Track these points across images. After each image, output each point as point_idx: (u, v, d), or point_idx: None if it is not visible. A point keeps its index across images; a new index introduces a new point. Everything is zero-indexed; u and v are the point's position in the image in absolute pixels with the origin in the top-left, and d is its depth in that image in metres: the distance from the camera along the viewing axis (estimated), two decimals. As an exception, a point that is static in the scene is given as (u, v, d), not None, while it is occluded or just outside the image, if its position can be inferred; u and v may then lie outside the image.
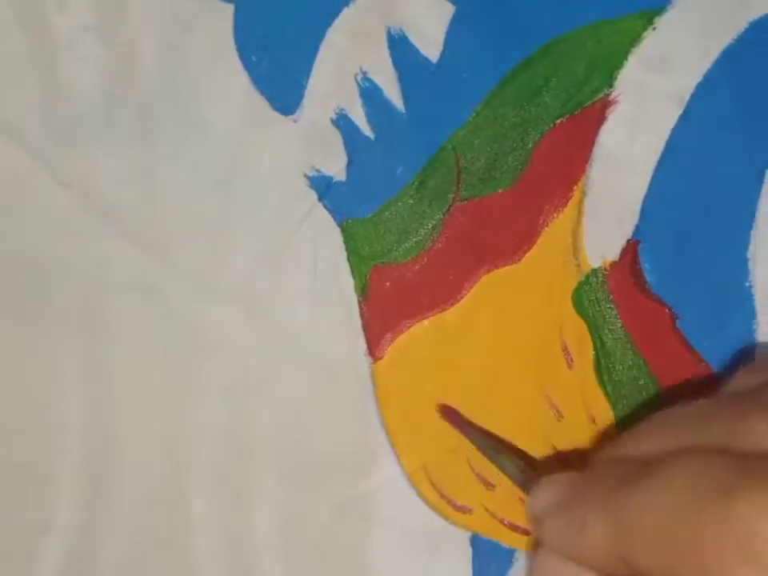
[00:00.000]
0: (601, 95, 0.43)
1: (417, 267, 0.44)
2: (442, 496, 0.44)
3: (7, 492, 0.42)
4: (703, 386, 0.43)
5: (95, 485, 0.42)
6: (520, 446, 0.43)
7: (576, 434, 0.44)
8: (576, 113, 0.43)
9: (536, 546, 0.37)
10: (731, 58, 0.43)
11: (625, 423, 0.43)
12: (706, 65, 0.43)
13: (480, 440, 0.42)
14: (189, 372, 0.43)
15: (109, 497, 0.42)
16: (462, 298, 0.43)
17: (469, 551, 0.44)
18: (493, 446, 0.41)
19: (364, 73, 0.43)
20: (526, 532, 0.44)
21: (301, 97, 0.43)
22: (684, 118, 0.43)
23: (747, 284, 0.43)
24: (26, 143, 0.42)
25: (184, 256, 0.43)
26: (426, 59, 0.43)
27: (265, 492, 0.43)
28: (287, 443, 0.43)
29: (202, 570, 0.42)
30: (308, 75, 0.43)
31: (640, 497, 0.30)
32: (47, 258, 0.42)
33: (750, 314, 0.43)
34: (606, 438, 0.43)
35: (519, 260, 0.43)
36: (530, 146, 0.43)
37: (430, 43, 0.43)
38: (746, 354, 0.43)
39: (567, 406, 0.43)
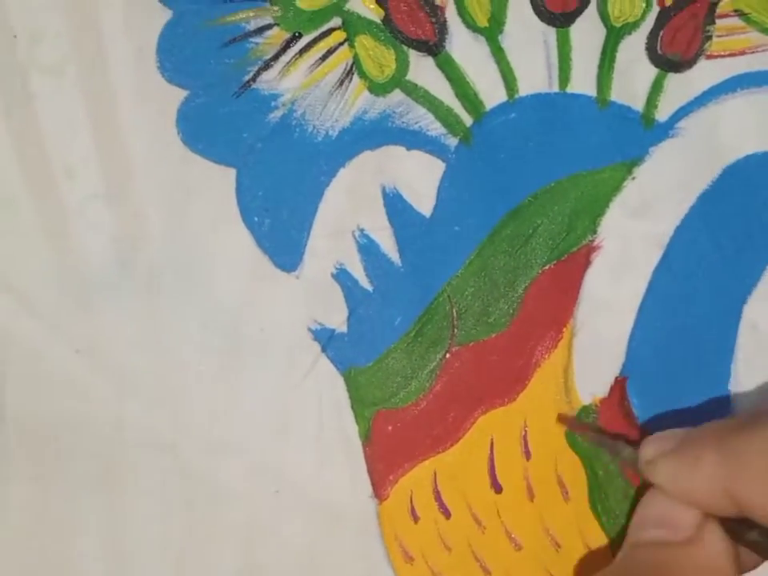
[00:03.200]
0: (585, 241, 0.45)
1: (417, 411, 0.46)
2: None
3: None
4: None
5: None
6: None
7: (573, 562, 0.46)
8: (562, 259, 0.45)
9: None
10: (707, 202, 0.45)
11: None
12: (684, 209, 0.45)
13: (595, 437, 0.44)
14: (203, 523, 0.45)
15: None
16: (460, 438, 0.46)
17: None
18: (607, 439, 0.44)
19: (361, 230, 0.45)
20: None
21: (302, 254, 0.45)
22: (664, 259, 0.45)
23: (729, 416, 0.45)
24: (39, 312, 0.45)
25: (193, 413, 0.45)
26: (419, 214, 0.45)
27: None
28: None
29: None
30: (308, 233, 0.45)
31: (751, 441, 0.34)
32: (64, 421, 0.44)
33: None
34: (602, 563, 0.45)
35: (514, 399, 0.45)
36: (521, 291, 0.45)
37: (423, 199, 0.45)
38: None
39: (564, 536, 0.46)
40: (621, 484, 0.45)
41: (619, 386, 0.45)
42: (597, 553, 0.46)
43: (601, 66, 0.45)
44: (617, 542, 0.45)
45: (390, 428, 0.45)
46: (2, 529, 0.44)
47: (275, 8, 0.44)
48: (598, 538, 0.46)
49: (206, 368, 0.45)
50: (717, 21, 0.45)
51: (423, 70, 0.45)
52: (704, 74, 0.45)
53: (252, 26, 0.44)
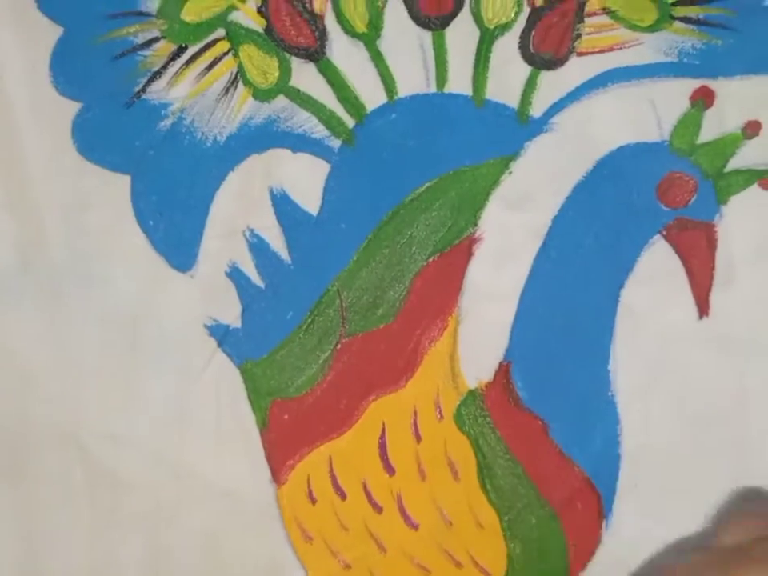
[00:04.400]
0: (467, 234, 0.48)
1: (311, 399, 0.48)
2: None
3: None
4: (576, 489, 0.48)
5: None
6: (416, 554, 0.48)
7: (467, 540, 0.48)
8: (446, 251, 0.48)
9: None
10: (582, 193, 0.48)
11: (510, 526, 0.48)
12: (560, 200, 0.48)
13: None
14: (107, 509, 0.47)
15: None
16: (353, 424, 0.48)
17: None
18: None
19: (251, 230, 0.48)
20: None
21: (196, 254, 0.47)
22: (544, 249, 0.48)
23: (609, 394, 0.47)
24: None
25: (94, 406, 0.47)
26: (306, 213, 0.48)
27: None
28: (204, 568, 0.48)
29: None
30: (201, 235, 0.47)
31: None
32: None
33: (614, 421, 0.48)
34: (494, 542, 0.48)
35: (403, 386, 0.48)
36: (406, 283, 0.48)
37: (310, 199, 0.47)
38: (612, 456, 0.47)
39: (456, 514, 0.48)
40: (507, 462, 0.48)
41: (503, 370, 0.48)
42: (488, 529, 0.48)
43: (476, 66, 0.47)
44: (505, 516, 0.48)
45: (286, 416, 0.48)
46: None
47: (161, 21, 0.47)
48: (488, 514, 0.48)
49: (105, 364, 0.47)
50: (586, 19, 0.47)
51: (305, 76, 0.47)
52: (576, 71, 0.47)
53: (140, 39, 0.47)
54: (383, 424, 0.48)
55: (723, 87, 0.47)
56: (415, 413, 0.48)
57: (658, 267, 0.47)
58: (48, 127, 0.46)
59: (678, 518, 0.48)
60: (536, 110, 0.47)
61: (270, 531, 0.47)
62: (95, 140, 0.47)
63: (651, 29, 0.47)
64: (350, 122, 0.47)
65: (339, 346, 0.48)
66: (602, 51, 0.47)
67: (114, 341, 0.47)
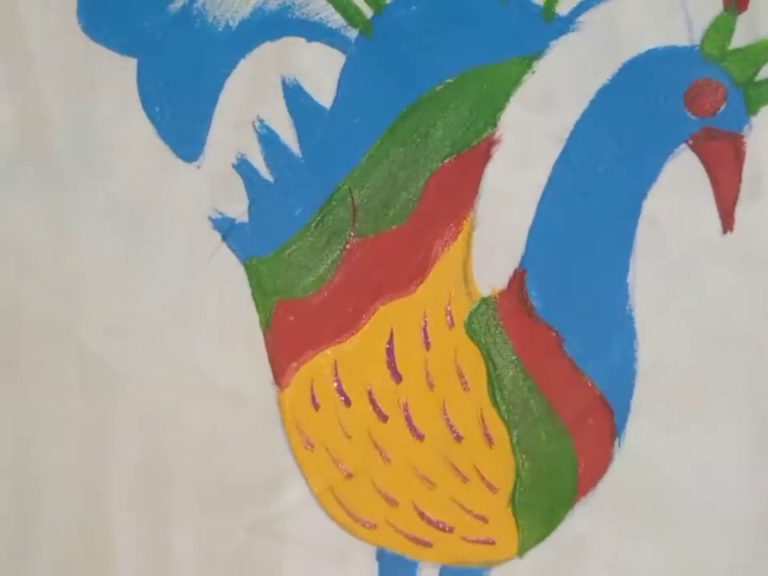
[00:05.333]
0: (485, 135, 0.46)
1: (318, 301, 0.47)
2: (349, 513, 0.47)
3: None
4: (589, 405, 0.47)
5: (18, 517, 0.47)
6: (421, 466, 0.47)
7: (474, 454, 0.47)
8: (463, 152, 0.46)
9: None
10: (607, 97, 0.46)
11: (519, 441, 0.47)
12: (583, 104, 0.46)
13: None
14: (102, 407, 0.46)
15: (30, 528, 0.46)
16: (361, 328, 0.47)
17: (375, 563, 0.48)
18: None
19: (261, 120, 0.46)
20: (427, 544, 0.47)
21: (203, 144, 0.46)
22: (564, 153, 0.46)
23: (627, 308, 0.46)
24: None
25: (94, 299, 0.46)
26: (319, 106, 0.46)
27: (182, 519, 0.47)
28: (201, 471, 0.47)
29: None
30: (209, 124, 0.46)
31: None
32: None
33: (631, 336, 0.46)
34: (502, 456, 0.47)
35: (413, 291, 0.47)
36: (421, 184, 0.46)
37: (324, 90, 0.46)
38: (627, 372, 0.46)
39: (465, 426, 0.47)
40: (519, 374, 0.47)
41: (518, 278, 0.46)
42: (497, 443, 0.47)
43: (503, -40, 0.45)
44: (514, 430, 0.47)
45: (291, 317, 0.47)
46: None
47: None
48: (499, 430, 0.47)
49: (105, 255, 0.46)
50: None
51: (324, -38, 0.45)
52: (605, -32, 0.46)
53: None
54: (391, 329, 0.47)
55: (758, -10, 0.45)
56: (425, 319, 0.47)
57: (682, 178, 0.46)
58: (53, 4, 0.45)
59: (693, 437, 0.47)
60: (562, 8, 0.46)
61: (271, 436, 0.47)
62: (102, 19, 0.45)
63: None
64: (368, 12, 0.45)
65: (349, 246, 0.47)
66: (632, -52, 0.45)
67: (115, 231, 0.46)
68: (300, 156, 0.46)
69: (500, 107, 0.46)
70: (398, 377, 0.47)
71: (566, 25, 0.45)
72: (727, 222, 0.46)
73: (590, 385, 0.46)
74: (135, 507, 0.46)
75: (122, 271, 0.46)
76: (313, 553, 0.47)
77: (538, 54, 0.45)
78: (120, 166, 0.46)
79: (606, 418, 0.47)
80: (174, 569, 0.47)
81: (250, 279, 0.47)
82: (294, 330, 0.47)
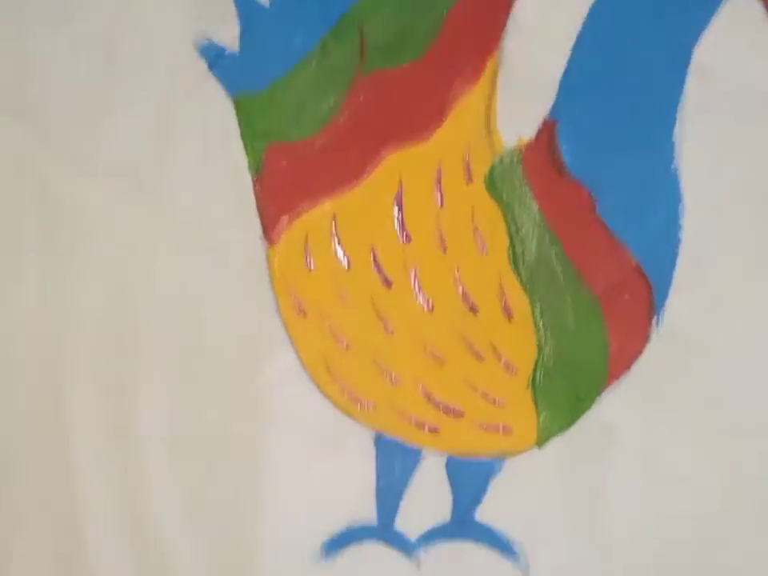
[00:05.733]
0: None
1: (316, 145, 0.45)
2: (343, 390, 0.45)
3: None
4: (624, 276, 0.44)
5: None
6: (429, 340, 0.44)
7: (491, 329, 0.44)
8: None
9: None
10: None
11: (543, 315, 0.44)
12: None
13: None
14: (65, 255, 0.44)
15: None
16: (365, 177, 0.45)
17: (372, 450, 0.45)
18: None
19: None
20: (433, 430, 0.46)
21: None
22: None
23: (672, 167, 0.44)
24: None
25: (61, 132, 0.44)
26: None
27: (152, 387, 0.45)
28: (173, 334, 0.45)
29: (81, 472, 0.44)
30: None
31: None
32: None
33: (675, 199, 0.44)
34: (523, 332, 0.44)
35: (427, 138, 0.44)
36: (441, 15, 0.44)
37: None
38: (670, 241, 0.44)
39: (481, 297, 0.45)
40: (544, 238, 0.44)
41: (548, 128, 0.44)
42: (517, 317, 0.44)
43: None
44: (537, 302, 0.44)
45: (284, 163, 0.45)
46: None
47: None
48: (519, 301, 0.44)
49: (75, 84, 0.44)
50: None
51: None
52: None
53: None
54: (401, 181, 0.44)
55: None
56: (439, 171, 0.44)
57: (740, 21, 0.43)
58: None
59: (742, 316, 0.45)
60: None
61: (257, 296, 0.45)
62: None
63: None
64: None
65: (355, 84, 0.44)
66: None
67: (87, 57, 0.44)
68: None
69: (534, -74, 0.44)
70: (406, 236, 0.44)
71: None
72: (791, 72, 0.44)
73: (625, 254, 0.44)
74: (97, 377, 0.44)
75: (93, 103, 0.44)
76: (301, 434, 0.45)
77: None
78: None
79: (643, 292, 0.45)
80: (139, 450, 0.45)
81: (238, 117, 0.45)
82: (287, 178, 0.45)
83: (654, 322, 0.45)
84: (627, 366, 0.45)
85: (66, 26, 0.43)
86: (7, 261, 0.44)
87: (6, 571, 0.45)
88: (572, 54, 0.44)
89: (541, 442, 0.45)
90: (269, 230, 0.45)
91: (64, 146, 0.44)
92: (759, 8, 0.43)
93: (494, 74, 0.44)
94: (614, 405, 0.45)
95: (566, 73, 0.44)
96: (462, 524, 0.46)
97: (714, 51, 0.43)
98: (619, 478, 0.46)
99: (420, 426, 0.45)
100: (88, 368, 0.44)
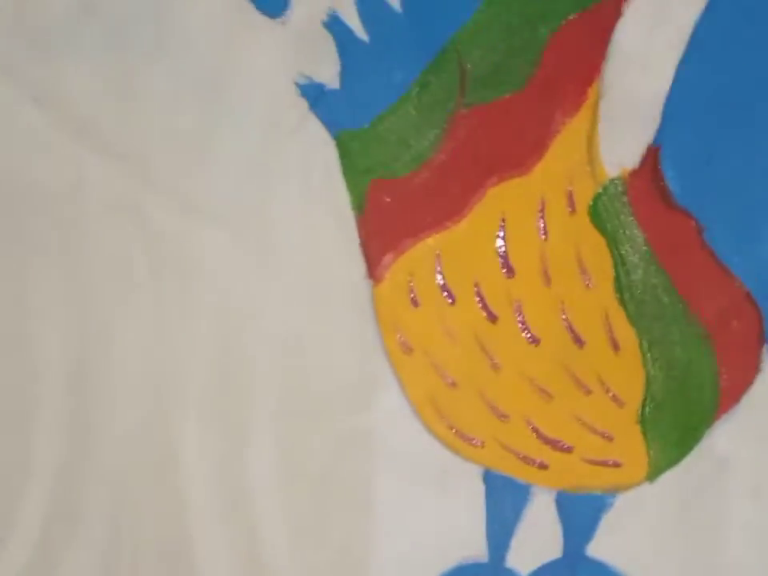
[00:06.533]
0: None
1: (418, 181, 0.46)
2: (451, 428, 0.46)
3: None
4: (734, 305, 0.45)
5: (76, 420, 0.45)
6: (536, 375, 0.45)
7: (598, 362, 0.45)
8: (589, 8, 0.44)
9: None
10: None
11: (651, 347, 0.45)
12: None
13: None
14: (175, 297, 0.46)
15: (91, 433, 0.45)
16: (468, 213, 0.45)
17: (481, 487, 0.46)
18: None
19: None
20: (542, 466, 0.48)
21: None
22: (708, 10, 0.44)
23: None
24: None
25: (164, 173, 0.45)
26: None
27: (259, 427, 0.46)
28: (282, 374, 0.46)
29: (192, 511, 0.46)
30: None
31: None
32: (21, 180, 0.45)
33: None
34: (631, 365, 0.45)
35: (529, 171, 0.45)
36: (540, 45, 0.45)
37: None
38: None
39: (587, 330, 0.45)
40: (651, 269, 0.44)
41: (652, 155, 0.44)
42: (625, 351, 0.45)
43: None
44: (645, 334, 0.45)
45: (387, 199, 0.45)
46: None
47: None
48: (626, 333, 0.45)
49: (178, 120, 0.45)
50: None
51: None
52: None
53: None
54: (503, 215, 0.45)
55: None
56: (542, 203, 0.45)
57: None
58: None
59: None
60: None
61: (362, 337, 0.46)
62: None
63: None
64: None
65: (455, 118, 0.45)
66: None
67: (190, 94, 0.45)
68: (401, 11, 0.44)
69: (634, -47, 0.46)
70: (510, 271, 0.45)
71: None
72: None
73: (734, 282, 0.45)
74: (207, 417, 0.45)
75: (194, 143, 0.45)
76: (408, 472, 0.45)
77: None
78: (192, 20, 0.45)
79: (754, 320, 0.45)
80: (250, 488, 0.46)
81: (340, 154, 0.45)
82: (390, 215, 0.46)
83: (764, 351, 0.45)
84: (738, 398, 0.45)
85: (168, 67, 0.44)
86: (118, 299, 0.45)
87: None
88: (675, 78, 0.44)
89: (652, 476, 0.46)
90: (373, 267, 0.45)
91: (167, 187, 0.45)
92: None
93: (596, 103, 0.44)
94: (727, 437, 0.46)
95: (670, 97, 0.44)
96: (574, 560, 0.47)
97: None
98: (735, 511, 0.46)
99: (529, 461, 0.45)
100: (197, 407, 0.45)
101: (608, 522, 0.47)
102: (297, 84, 0.45)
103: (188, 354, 0.45)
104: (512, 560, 0.47)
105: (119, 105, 0.45)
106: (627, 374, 0.45)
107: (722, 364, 0.45)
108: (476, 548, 0.46)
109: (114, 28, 0.44)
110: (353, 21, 0.44)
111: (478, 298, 0.45)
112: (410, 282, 0.45)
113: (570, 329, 0.45)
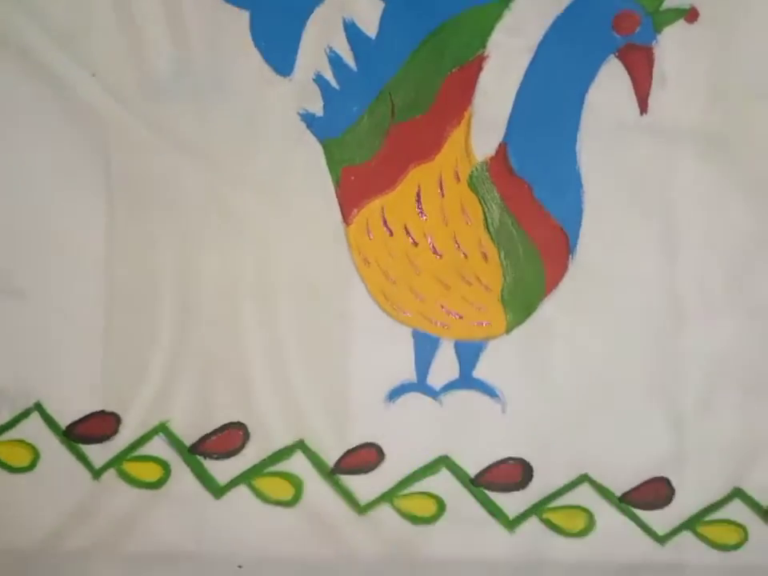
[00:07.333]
0: (478, 53, 0.63)
1: (371, 166, 0.63)
2: (394, 307, 0.63)
3: (126, 315, 0.64)
4: (552, 233, 0.63)
5: (183, 308, 0.64)
6: (440, 275, 0.63)
7: (475, 267, 0.64)
8: (464, 64, 0.63)
9: None
10: (561, 23, 0.63)
11: (506, 257, 0.63)
12: (545, 28, 0.63)
13: None
14: (230, 241, 0.66)
15: (191, 317, 0.63)
16: (398, 185, 0.63)
17: (411, 339, 0.63)
18: None
19: (330, 48, 0.64)
20: (445, 326, 0.64)
21: (293, 63, 0.64)
22: (533, 64, 0.63)
23: (576, 167, 0.63)
24: (123, 97, 0.63)
25: (231, 162, 0.65)
26: (368, 36, 0.64)
27: (286, 307, 0.65)
28: (296, 279, 0.66)
29: (250, 347, 0.65)
30: (297, 51, 0.64)
31: None
32: (153, 184, 0.64)
33: (579, 186, 0.63)
34: (494, 268, 0.64)
35: (433, 159, 0.63)
36: (437, 87, 0.63)
37: (370, 26, 0.65)
38: (576, 209, 0.63)
39: (469, 248, 0.63)
40: (505, 215, 0.63)
41: (502, 148, 0.63)
42: (490, 259, 0.63)
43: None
44: (502, 251, 0.63)
45: (352, 178, 0.63)
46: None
47: None
48: (491, 249, 0.63)
49: (229, 139, 0.64)
50: None
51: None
52: None
53: None
54: (419, 184, 0.63)
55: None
56: (441, 177, 0.62)
57: (612, 78, 0.62)
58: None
59: (620, 254, 0.63)
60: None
61: (341, 258, 0.63)
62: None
63: None
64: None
65: (390, 130, 0.62)
66: None
67: (235, 126, 0.64)
68: (356, 71, 0.62)
69: (488, 34, 0.63)
70: (424, 215, 0.62)
71: (532, -23, 0.64)
72: (643, 107, 0.62)
73: (552, 219, 0.61)
74: (261, 305, 0.63)
75: (235, 151, 0.64)
76: (371, 332, 0.63)
77: (513, -4, 0.66)
78: (238, 82, 0.63)
79: (564, 241, 0.62)
80: (283, 334, 0.63)
81: (325, 154, 0.62)
82: (354, 187, 0.62)
83: (570, 258, 0.61)
84: (556, 285, 0.61)
85: (222, 109, 0.62)
86: (204, 238, 0.64)
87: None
88: (514, 103, 0.61)
89: (508, 330, 0.62)
90: (346, 216, 0.62)
91: (235, 175, 0.62)
92: (622, 69, 0.61)
93: (469, 119, 0.62)
94: (550, 307, 0.62)
95: (512, 115, 0.62)
96: (466, 380, 0.62)
97: (598, 96, 0.61)
98: (556, 349, 0.62)
99: (438, 324, 0.61)
100: (253, 297, 0.62)
101: (485, 357, 0.62)
102: (299, 114, 0.62)
103: (240, 272, 0.62)
104: (430, 380, 0.62)
105: (198, 131, 0.62)
106: (492, 273, 0.61)
107: (546, 265, 0.61)
108: (409, 374, 0.62)
109: (192, 89, 0.62)
110: (330, 77, 0.62)
111: (406, 233, 0.62)
112: (367, 224, 0.62)
113: (459, 248, 0.61)
